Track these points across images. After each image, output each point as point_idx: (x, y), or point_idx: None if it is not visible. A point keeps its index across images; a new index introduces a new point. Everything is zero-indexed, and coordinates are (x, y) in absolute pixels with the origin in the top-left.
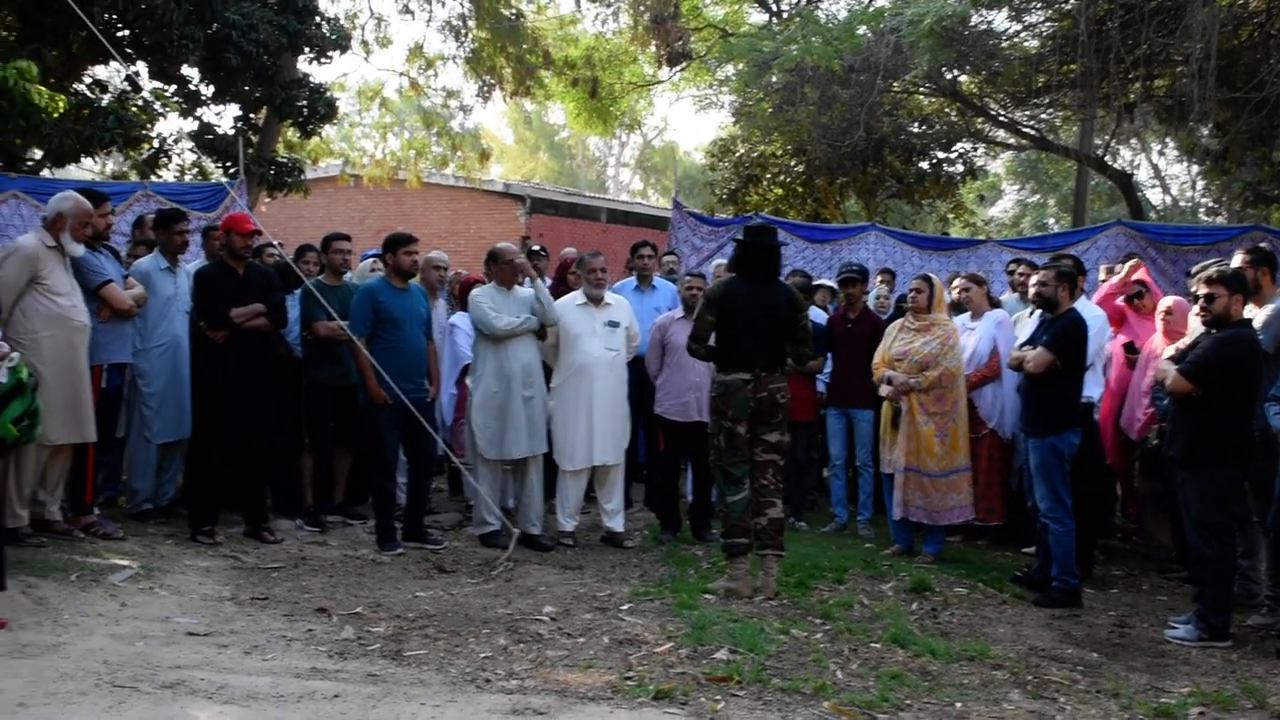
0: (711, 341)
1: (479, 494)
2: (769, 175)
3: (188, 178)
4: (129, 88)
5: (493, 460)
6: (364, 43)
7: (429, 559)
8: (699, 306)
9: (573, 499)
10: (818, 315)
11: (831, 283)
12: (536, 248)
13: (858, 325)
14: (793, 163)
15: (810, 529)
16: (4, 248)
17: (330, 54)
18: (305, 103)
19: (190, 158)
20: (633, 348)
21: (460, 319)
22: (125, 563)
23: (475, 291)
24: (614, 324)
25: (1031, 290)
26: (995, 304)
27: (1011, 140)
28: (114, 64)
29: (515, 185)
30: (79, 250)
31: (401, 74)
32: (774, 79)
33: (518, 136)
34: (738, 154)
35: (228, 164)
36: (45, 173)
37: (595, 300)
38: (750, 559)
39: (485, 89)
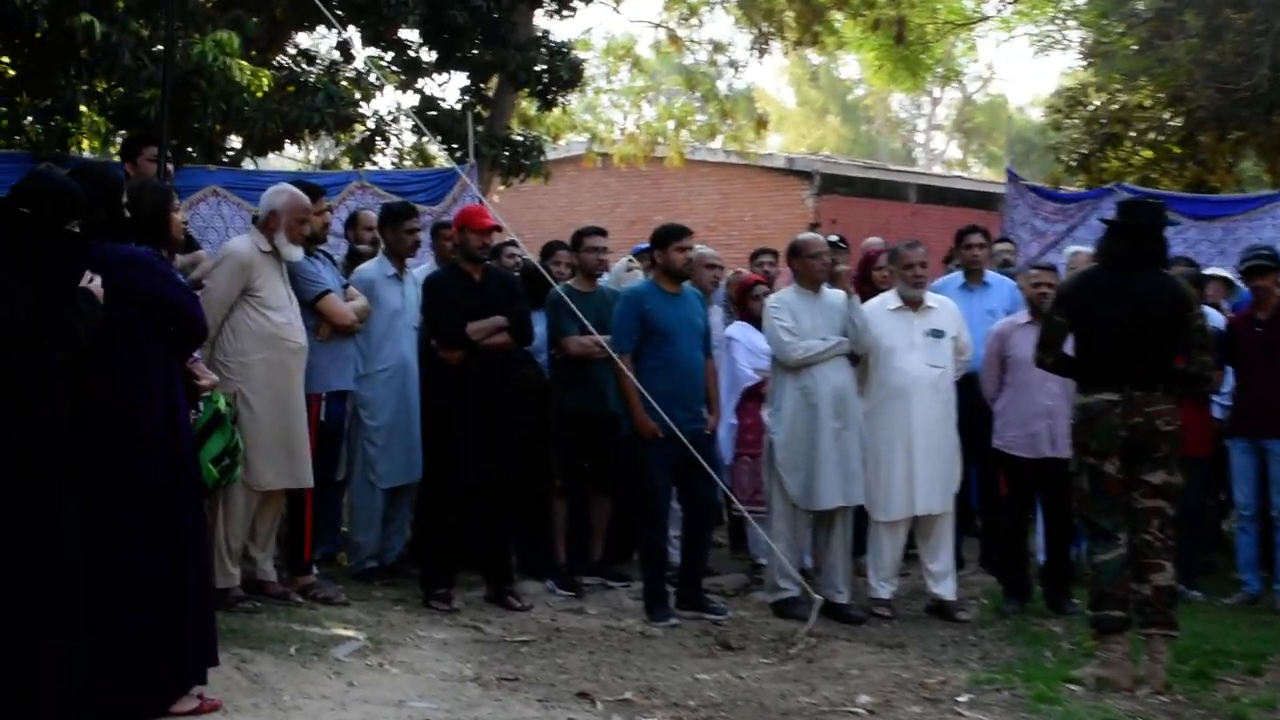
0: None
1: (772, 551)
2: (1133, 133)
3: (407, 163)
4: (339, 58)
5: (800, 510)
6: None
7: (710, 632)
8: (1047, 306)
9: (889, 558)
10: (1212, 316)
11: (1227, 272)
12: (834, 238)
13: (1269, 329)
14: (1166, 115)
15: (1209, 599)
16: (211, 255)
17: (572, 5)
18: (544, 66)
19: (410, 139)
20: (962, 363)
21: (740, 330)
22: (350, 633)
23: (772, 300)
24: (937, 333)
25: None
26: None
27: None
28: (321, 29)
29: (800, 159)
30: (297, 254)
31: (658, 25)
32: (1140, 6)
33: (801, 98)
34: (1091, 107)
35: (453, 145)
36: (247, 163)
37: (913, 303)
38: (1129, 639)
39: (761, 40)
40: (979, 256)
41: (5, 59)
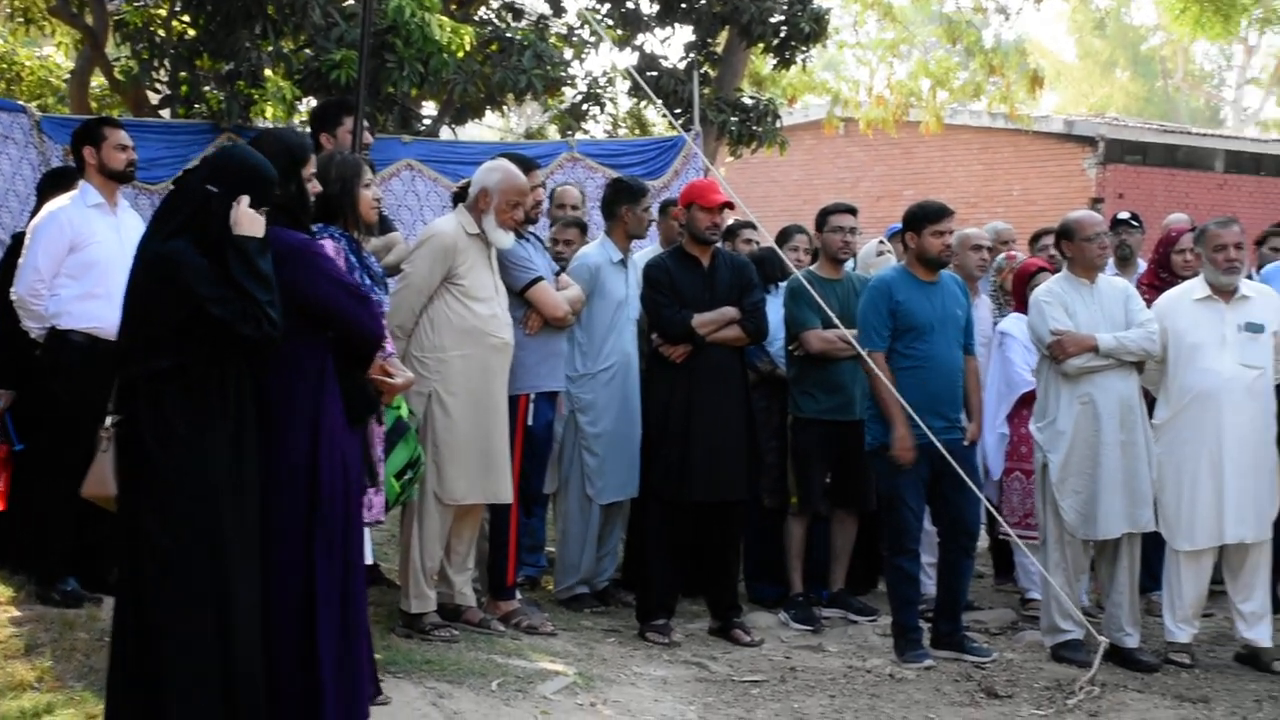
0: None
1: (1048, 585)
2: None
3: (622, 131)
4: (549, 11)
5: (1078, 539)
6: None
7: (972, 676)
8: None
9: (1190, 595)
10: None
11: None
12: (1124, 215)
13: None
14: None
15: None
16: (407, 237)
17: None
18: (782, 17)
19: (626, 104)
20: None
21: (1016, 325)
22: (558, 668)
23: (1039, 291)
24: (1255, 328)
25: None
26: None
27: None
28: None
29: (1081, 122)
30: (507, 242)
31: None
32: None
33: (1083, 49)
34: None
35: (676, 110)
36: (444, 133)
37: (1225, 293)
38: None
39: None
40: None
41: (185, 18)
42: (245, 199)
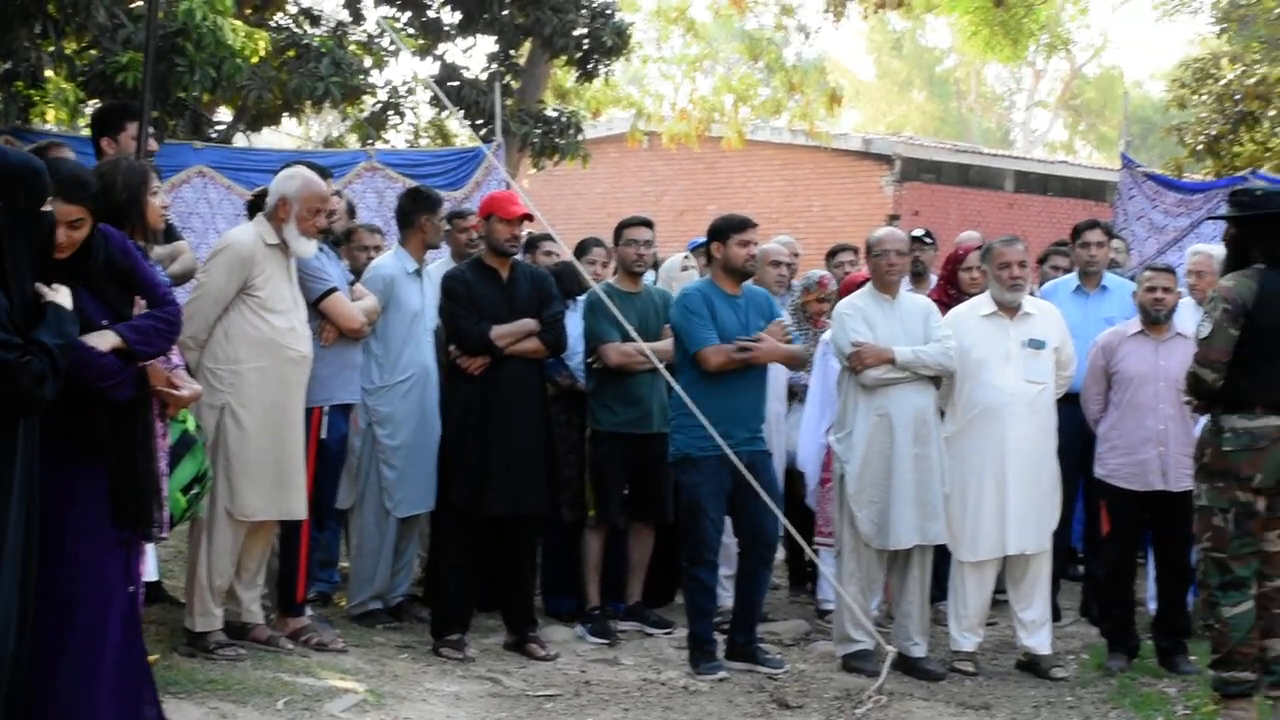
0: None
1: (840, 596)
2: (1274, 112)
3: (424, 141)
4: (348, 18)
5: (872, 550)
6: None
7: (764, 687)
8: (1215, 314)
9: (974, 604)
10: None
11: None
12: (918, 233)
13: None
14: None
15: None
16: (195, 245)
17: None
18: (585, 30)
19: (427, 113)
20: (1065, 378)
21: None
22: (348, 685)
23: (841, 305)
24: (1037, 344)
25: None
26: None
27: None
28: None
29: (879, 140)
30: (310, 250)
31: None
32: None
33: (881, 70)
34: (1223, 81)
35: (478, 121)
36: (239, 140)
37: (1009, 309)
38: (1258, 705)
39: (837, 2)
40: (1096, 256)
41: None
42: (67, 293)
